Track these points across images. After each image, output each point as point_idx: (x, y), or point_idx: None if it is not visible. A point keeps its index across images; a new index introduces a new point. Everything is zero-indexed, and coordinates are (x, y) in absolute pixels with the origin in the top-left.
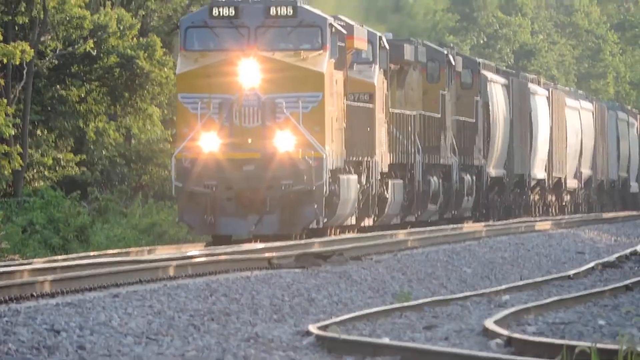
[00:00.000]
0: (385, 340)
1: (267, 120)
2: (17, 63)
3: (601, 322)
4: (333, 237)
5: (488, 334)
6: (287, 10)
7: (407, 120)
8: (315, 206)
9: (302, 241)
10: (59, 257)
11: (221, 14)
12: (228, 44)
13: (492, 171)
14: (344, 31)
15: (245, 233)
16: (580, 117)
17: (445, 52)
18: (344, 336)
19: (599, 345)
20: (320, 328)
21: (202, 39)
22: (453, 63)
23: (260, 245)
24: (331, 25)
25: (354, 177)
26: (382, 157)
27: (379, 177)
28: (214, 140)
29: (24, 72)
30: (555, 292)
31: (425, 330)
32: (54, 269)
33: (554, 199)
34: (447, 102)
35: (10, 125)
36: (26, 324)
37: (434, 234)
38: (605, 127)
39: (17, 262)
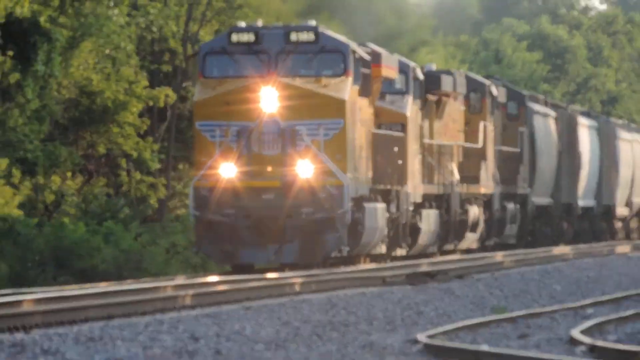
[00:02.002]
0: (485, 348)
1: (287, 148)
2: (162, 106)
3: None
4: (439, 259)
5: (574, 342)
6: (308, 35)
7: (444, 150)
8: (338, 234)
9: (412, 261)
10: (199, 275)
11: (240, 40)
12: (247, 71)
13: (538, 200)
14: (368, 57)
15: (264, 262)
16: (632, 148)
17: (487, 83)
18: (449, 344)
19: None
20: (427, 337)
21: (221, 65)
22: (495, 94)
23: (374, 266)
24: (354, 51)
25: (382, 205)
26: (415, 187)
27: (412, 207)
28: (233, 168)
29: (168, 114)
30: (633, 306)
31: (519, 339)
32: (194, 285)
33: (605, 226)
34: (488, 132)
35: (156, 160)
36: (170, 332)
37: (528, 256)
38: None
39: (161, 278)
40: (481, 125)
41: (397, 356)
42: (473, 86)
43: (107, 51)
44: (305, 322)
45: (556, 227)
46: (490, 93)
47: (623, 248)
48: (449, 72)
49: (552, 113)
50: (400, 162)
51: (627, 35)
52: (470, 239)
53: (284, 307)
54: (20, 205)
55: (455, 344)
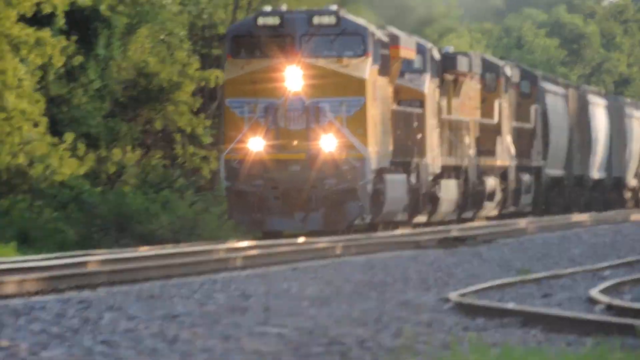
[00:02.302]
0: (510, 306)
1: (311, 123)
2: (212, 86)
3: None
4: (469, 225)
5: (593, 301)
6: (329, 19)
7: (461, 125)
8: (360, 204)
9: (444, 227)
10: (248, 239)
11: (266, 23)
12: (273, 52)
13: (551, 171)
14: (386, 39)
15: (291, 230)
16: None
17: (501, 64)
18: (478, 302)
19: None
20: (458, 296)
21: (248, 46)
22: (509, 74)
23: (409, 231)
24: (373, 34)
25: (402, 176)
26: (434, 159)
27: (431, 178)
28: (261, 142)
29: (218, 93)
30: None
31: (542, 298)
32: (244, 248)
33: (615, 196)
34: (503, 109)
35: (208, 135)
36: (223, 291)
37: (549, 223)
38: None
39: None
40: (496, 102)
41: (431, 313)
42: (488, 67)
43: (161, 37)
44: (347, 282)
45: (568, 196)
46: (504, 73)
47: (636, 216)
48: (465, 54)
49: (564, 92)
50: (419, 136)
51: (637, 23)
52: (488, 208)
53: (327, 268)
54: (85, 176)
55: (484, 302)
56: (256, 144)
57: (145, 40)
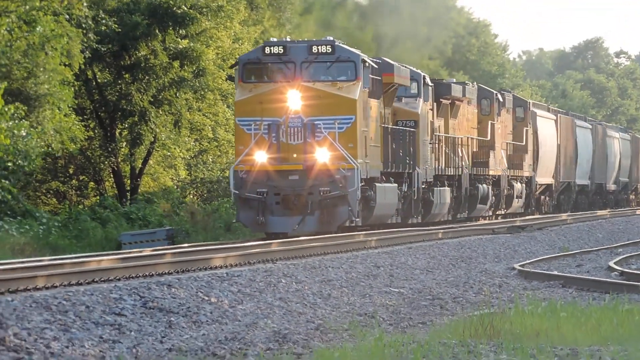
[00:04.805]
0: (555, 272)
1: (308, 138)
2: None
3: None
4: (528, 217)
5: (611, 269)
6: (326, 48)
7: (457, 142)
8: (349, 208)
9: (510, 219)
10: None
11: (272, 51)
12: (277, 76)
13: (541, 180)
14: (375, 66)
15: (290, 231)
16: (619, 144)
17: (495, 92)
18: (533, 270)
19: None
20: (520, 266)
21: (257, 72)
22: (502, 100)
23: (488, 221)
24: (364, 61)
25: (393, 185)
26: (427, 170)
27: (423, 186)
28: (265, 155)
29: None
30: None
31: (576, 267)
32: (377, 233)
33: (598, 198)
34: (496, 129)
35: None
36: (361, 263)
37: (581, 216)
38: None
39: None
40: (489, 123)
41: (501, 278)
42: (484, 94)
43: None
44: (445, 257)
45: (557, 199)
46: (497, 99)
47: None
48: (461, 83)
49: (553, 117)
50: (411, 150)
51: None
52: (481, 209)
53: (432, 247)
54: None
55: (537, 270)
56: (261, 157)
57: None
